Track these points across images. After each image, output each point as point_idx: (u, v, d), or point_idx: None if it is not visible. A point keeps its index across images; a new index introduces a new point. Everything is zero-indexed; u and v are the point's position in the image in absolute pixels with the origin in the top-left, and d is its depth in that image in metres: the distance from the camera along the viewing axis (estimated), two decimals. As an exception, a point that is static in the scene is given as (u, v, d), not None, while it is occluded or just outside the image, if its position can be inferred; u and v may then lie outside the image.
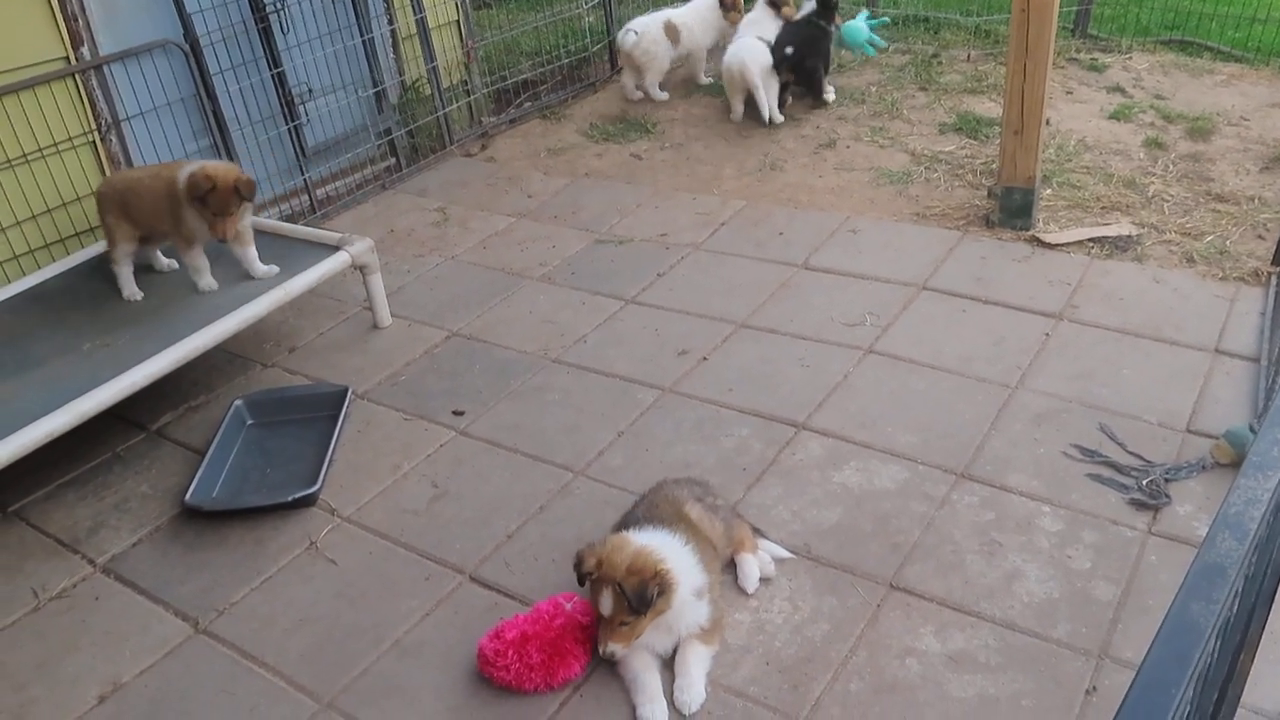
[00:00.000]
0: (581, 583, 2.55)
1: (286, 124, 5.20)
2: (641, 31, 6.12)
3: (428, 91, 5.85)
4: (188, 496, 3.34)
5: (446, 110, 5.88)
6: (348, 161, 5.57)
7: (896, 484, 3.17)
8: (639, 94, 6.31)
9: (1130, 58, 6.37)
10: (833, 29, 5.93)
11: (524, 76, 6.46)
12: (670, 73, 6.39)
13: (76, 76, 4.39)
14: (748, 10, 6.18)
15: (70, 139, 4.40)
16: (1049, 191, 4.79)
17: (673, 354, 3.91)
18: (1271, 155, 5.04)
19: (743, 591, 2.82)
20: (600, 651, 2.54)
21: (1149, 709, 0.84)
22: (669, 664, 2.61)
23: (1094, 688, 2.49)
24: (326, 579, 3.06)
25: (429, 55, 5.74)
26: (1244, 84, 5.93)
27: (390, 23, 5.67)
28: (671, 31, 6.17)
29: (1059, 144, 5.27)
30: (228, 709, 2.67)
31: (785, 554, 2.94)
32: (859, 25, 6.25)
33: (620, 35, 6.24)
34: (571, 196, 5.31)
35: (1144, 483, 3.07)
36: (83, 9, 4.40)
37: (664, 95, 6.30)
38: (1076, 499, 3.06)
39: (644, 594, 2.42)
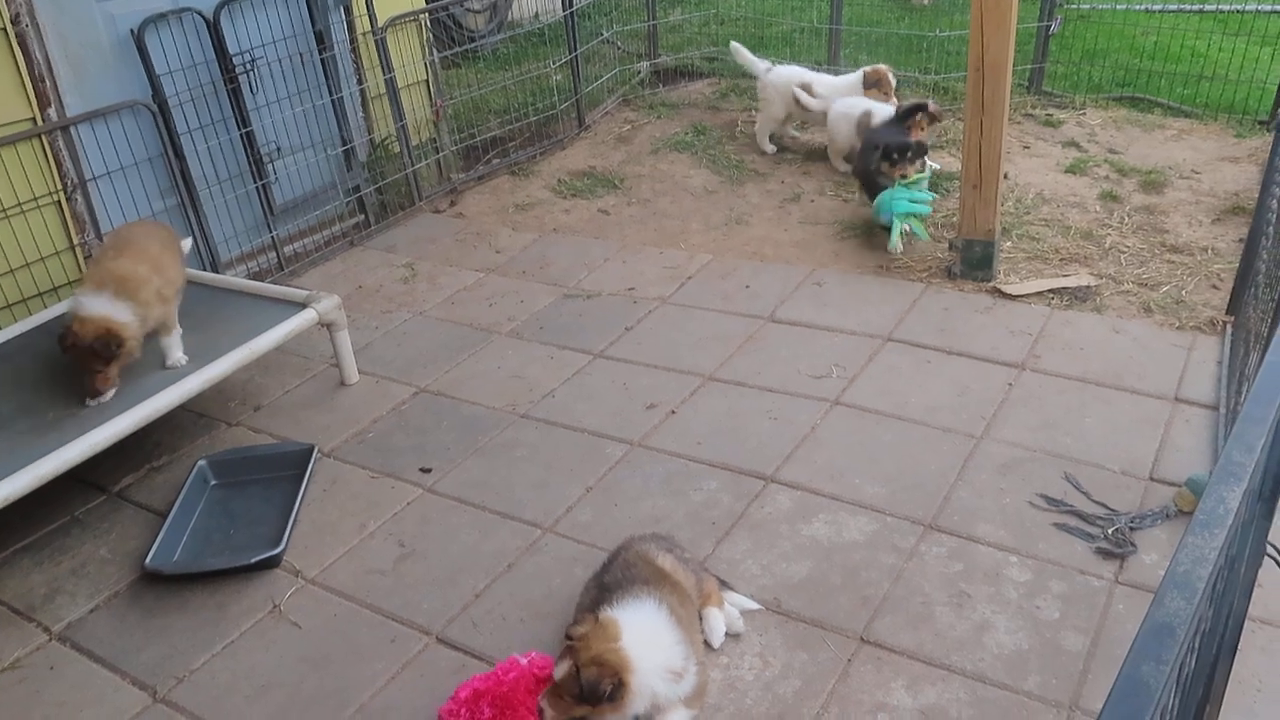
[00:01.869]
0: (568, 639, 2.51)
1: (255, 182, 5.21)
2: (774, 69, 6.22)
3: (396, 149, 5.89)
4: (148, 560, 3.27)
5: (415, 168, 5.92)
6: (316, 219, 5.57)
7: (865, 535, 3.18)
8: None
9: (1084, 113, 6.56)
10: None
11: (492, 134, 6.53)
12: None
13: (43, 137, 4.38)
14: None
15: (35, 199, 4.38)
16: (1009, 244, 4.88)
17: (641, 408, 3.92)
18: (1223, 207, 5.18)
19: (709, 646, 2.79)
20: (539, 702, 2.50)
21: (1104, 773, 0.84)
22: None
23: (1065, 740, 2.48)
24: (290, 643, 2.99)
25: (398, 114, 5.79)
26: (1194, 138, 6.11)
27: (359, 82, 5.73)
28: (807, 89, 6.13)
29: (1018, 197, 5.39)
30: (185, 781, 2.59)
31: (753, 605, 2.92)
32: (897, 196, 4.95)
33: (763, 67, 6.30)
34: (539, 251, 5.34)
35: (1109, 531, 3.10)
36: (50, 70, 4.41)
37: (770, 148, 6.32)
38: (1044, 549, 3.07)
39: (595, 688, 2.38)
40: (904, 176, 4.99)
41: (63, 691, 2.91)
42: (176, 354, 3.75)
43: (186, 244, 4.32)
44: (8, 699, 2.90)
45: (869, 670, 2.72)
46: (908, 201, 4.91)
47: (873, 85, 6.04)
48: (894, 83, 6.06)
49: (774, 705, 2.63)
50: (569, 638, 2.49)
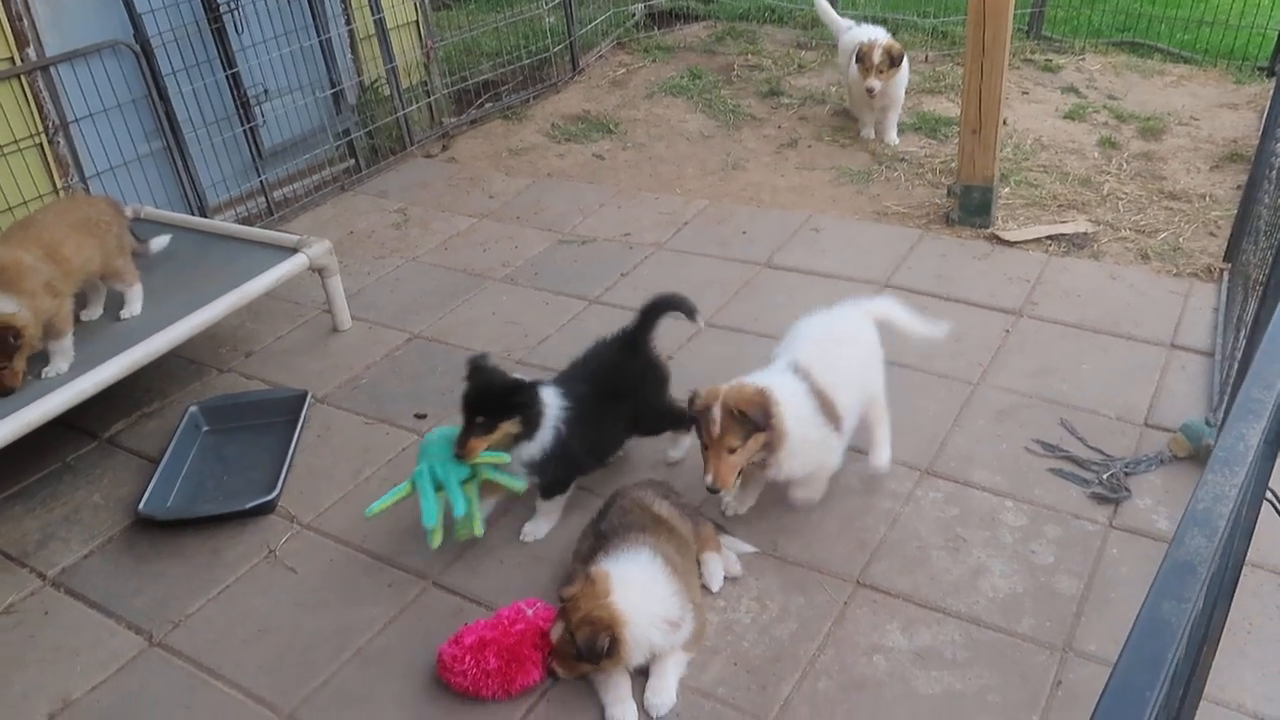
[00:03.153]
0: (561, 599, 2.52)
1: (242, 125, 5.11)
2: (853, 29, 5.73)
3: (387, 92, 5.77)
4: (141, 506, 3.25)
5: (406, 111, 5.81)
6: (305, 163, 5.48)
7: (862, 481, 3.17)
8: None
9: (1083, 59, 6.46)
10: None
11: (485, 77, 6.40)
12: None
13: (22, 77, 4.27)
14: None
15: (16, 141, 4.28)
16: (1007, 190, 4.83)
17: (637, 354, 3.88)
18: (1221, 154, 5.13)
19: (707, 590, 2.80)
20: (706, 482, 2.74)
21: (1123, 712, 0.83)
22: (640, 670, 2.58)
23: (1060, 681, 2.50)
24: (286, 588, 2.99)
25: (388, 56, 5.66)
26: (1193, 85, 6.04)
27: (348, 23, 5.59)
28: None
29: (1016, 143, 5.32)
30: (184, 723, 2.60)
31: (750, 549, 2.93)
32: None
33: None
34: (534, 197, 5.27)
35: (1104, 477, 3.10)
36: (28, 8, 4.29)
37: (870, 131, 5.65)
38: (1039, 494, 3.08)
39: (592, 647, 2.40)
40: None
41: (58, 636, 2.91)
42: (58, 364, 3.39)
43: (134, 210, 4.30)
44: (3, 643, 2.90)
45: (865, 613, 2.73)
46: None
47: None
48: (877, 60, 5.25)
49: (771, 647, 2.65)
50: (561, 599, 2.49)
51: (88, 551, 3.21)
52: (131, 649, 2.84)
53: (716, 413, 2.70)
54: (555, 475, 3.01)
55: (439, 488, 2.85)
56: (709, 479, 2.74)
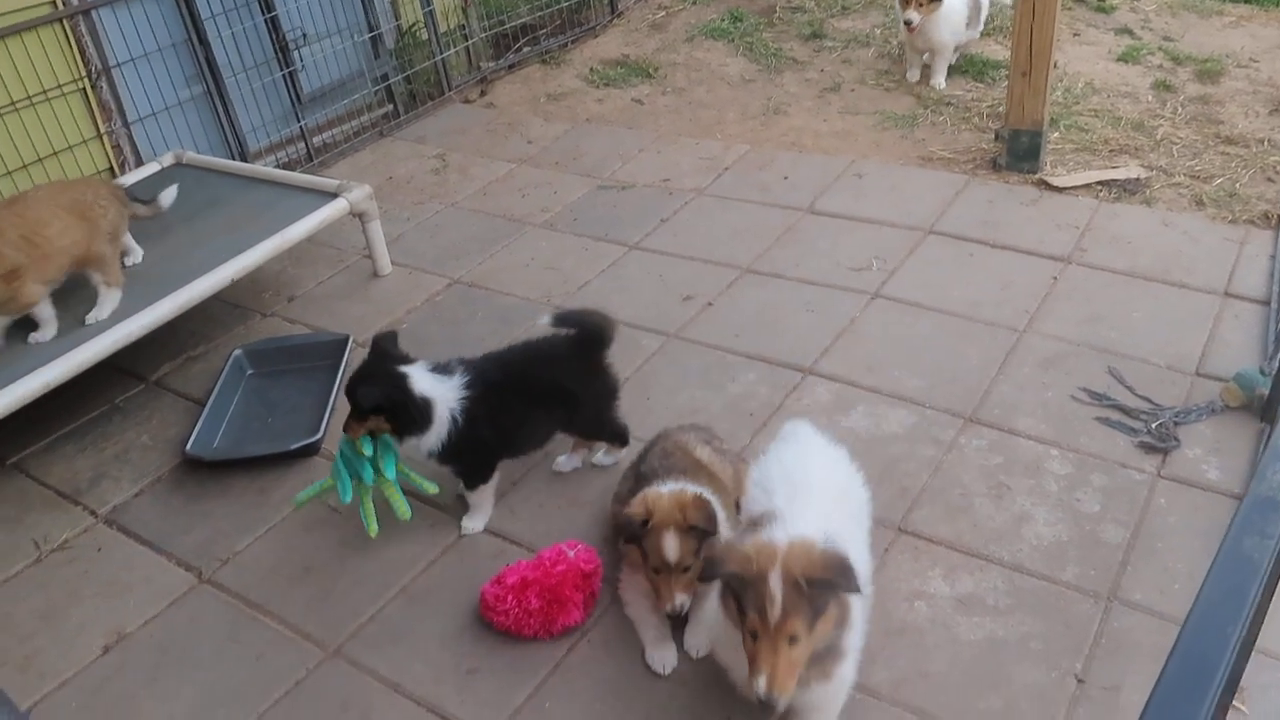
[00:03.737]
0: (634, 538, 2.48)
1: (281, 70, 5.09)
2: None
3: (425, 36, 5.72)
4: (188, 447, 3.31)
5: (444, 55, 5.76)
6: (344, 108, 5.46)
7: (904, 428, 3.14)
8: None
9: (1139, -1, 6.24)
10: None
11: (523, 20, 6.31)
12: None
13: (64, 22, 4.28)
14: None
15: (60, 86, 4.30)
16: (1056, 134, 4.70)
17: (678, 300, 3.86)
18: (1283, 97, 4.95)
19: (748, 536, 2.79)
20: (668, 610, 2.44)
21: (1204, 648, 0.80)
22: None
23: (1104, 630, 2.48)
24: (331, 527, 3.04)
25: (425, -1, 5.60)
26: (1253, 25, 5.81)
27: (385, -35, 5.53)
28: None
29: (1066, 86, 5.17)
30: (233, 658, 2.67)
31: (792, 497, 2.90)
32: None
33: None
34: (572, 142, 5.22)
35: (1153, 426, 3.04)
36: (68, -50, 4.28)
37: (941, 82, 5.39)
38: (1085, 442, 3.03)
39: (712, 515, 2.42)
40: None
41: (111, 571, 2.99)
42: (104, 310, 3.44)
43: (176, 156, 4.33)
44: (60, 577, 2.99)
45: (906, 559, 2.72)
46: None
47: None
48: None
49: (810, 592, 2.64)
50: (642, 522, 2.43)
51: (138, 490, 3.27)
52: (182, 585, 2.91)
53: (776, 585, 1.88)
54: (469, 465, 2.85)
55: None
56: (762, 684, 1.88)
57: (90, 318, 3.43)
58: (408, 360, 2.79)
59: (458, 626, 2.66)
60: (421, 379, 2.73)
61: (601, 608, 2.65)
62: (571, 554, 2.65)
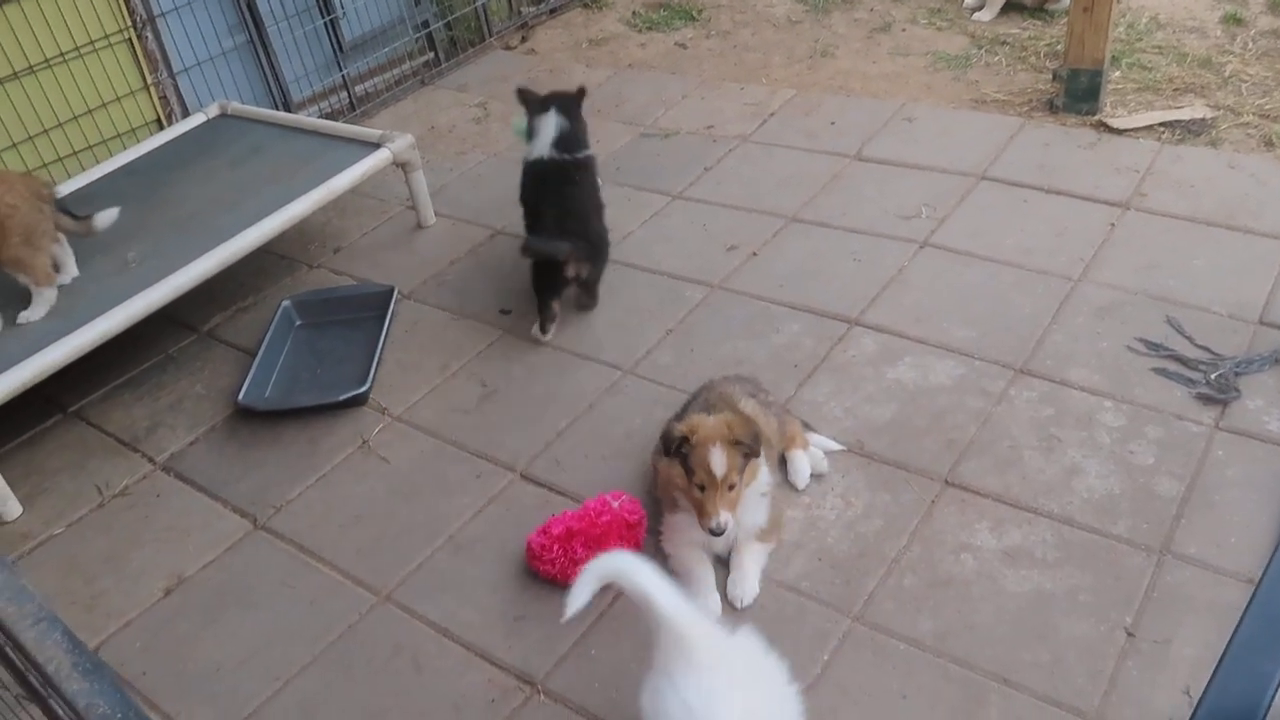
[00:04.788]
0: (675, 453, 2.47)
1: (323, 17, 5.07)
2: None
3: (465, -19, 5.64)
4: (240, 397, 3.37)
5: (485, 1, 5.68)
6: (385, 56, 5.42)
7: (952, 380, 3.09)
8: None
9: (1210, -75, 5.93)
10: None
11: (563, -37, 6.19)
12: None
13: (108, -30, 4.28)
14: None
15: (106, 36, 4.32)
16: (1118, 74, 4.52)
17: (721, 250, 3.82)
18: (1362, 29, 4.70)
19: (793, 488, 2.79)
20: (712, 526, 2.42)
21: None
22: (722, 560, 2.61)
23: (1155, 583, 2.44)
24: (380, 477, 3.09)
25: (465, -58, 5.52)
26: (1335, -48, 5.50)
27: (424, -93, 5.45)
28: None
29: (1129, 22, 4.96)
30: (288, 601, 2.74)
31: (836, 446, 2.90)
32: None
33: None
34: (615, 89, 5.14)
35: (1212, 376, 2.96)
36: (110, -100, 4.27)
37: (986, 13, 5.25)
38: (1140, 394, 2.96)
39: (756, 434, 2.44)
40: None
41: (170, 517, 3.07)
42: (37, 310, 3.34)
43: (222, 106, 4.33)
44: (121, 522, 3.08)
45: (952, 512, 2.69)
46: None
47: None
48: None
49: (855, 544, 2.64)
50: (684, 438, 2.46)
51: (193, 439, 3.35)
52: (238, 531, 2.99)
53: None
54: None
55: None
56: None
57: (22, 318, 3.33)
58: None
59: (505, 574, 2.71)
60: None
61: (646, 558, 2.66)
62: (616, 505, 2.67)
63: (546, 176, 3.49)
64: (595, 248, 3.45)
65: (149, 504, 3.14)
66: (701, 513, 2.46)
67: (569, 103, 3.57)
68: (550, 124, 3.54)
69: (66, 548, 3.03)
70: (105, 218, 3.56)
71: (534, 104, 3.60)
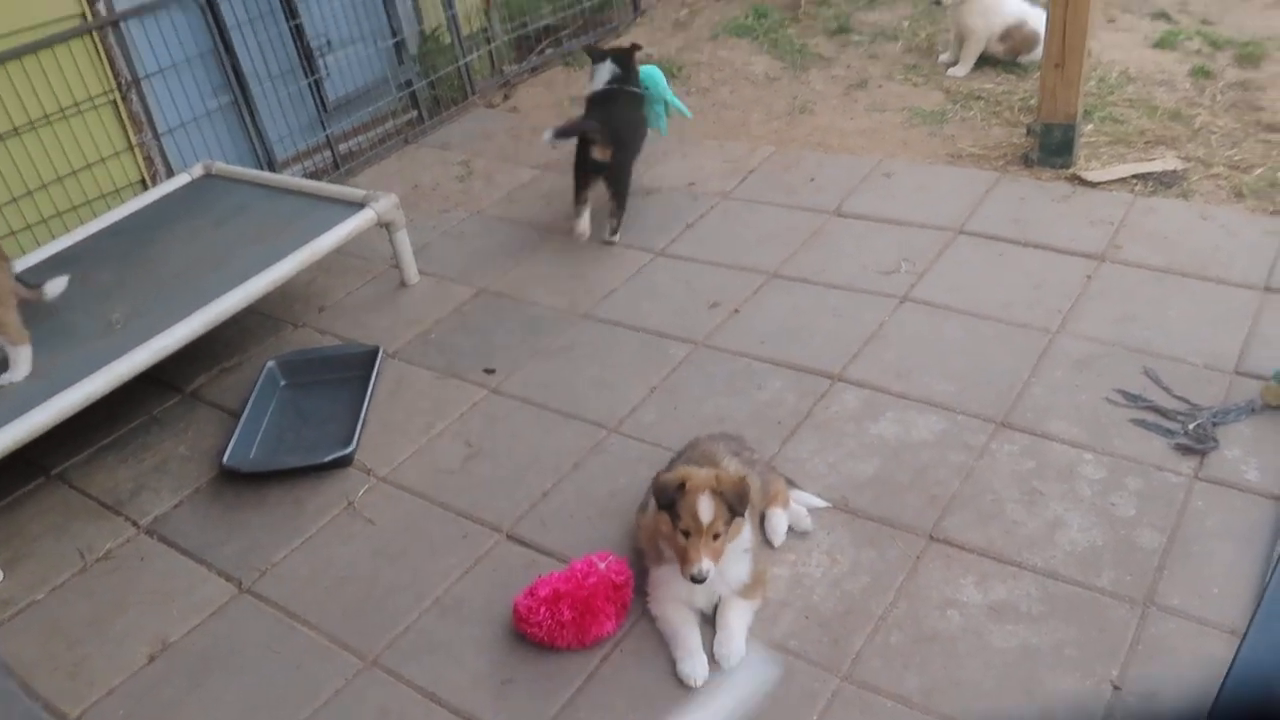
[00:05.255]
0: (667, 504, 2.48)
1: (307, 78, 5.14)
2: None
3: (448, 40, 5.74)
4: (225, 458, 3.36)
5: (467, 60, 5.78)
6: (369, 115, 5.50)
7: (934, 434, 3.12)
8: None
9: (1174, -18, 6.11)
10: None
11: (545, 22, 6.31)
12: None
13: (94, 33, 4.34)
14: None
15: (91, 98, 4.37)
16: (1090, 127, 4.63)
17: (704, 306, 3.86)
18: (1324, 82, 4.84)
19: (769, 545, 2.80)
20: (694, 572, 2.43)
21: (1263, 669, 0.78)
22: (709, 621, 2.61)
23: (1140, 635, 2.45)
24: (365, 538, 3.08)
25: (448, 2, 5.62)
26: (1295, 6, 5.68)
27: (408, -31, 5.55)
28: None
29: (1100, 76, 5.09)
30: (274, 666, 2.71)
31: (821, 503, 2.91)
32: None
33: None
34: (597, 145, 5.21)
35: (1190, 427, 3.00)
36: (96, -36, 4.34)
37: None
38: (1120, 445, 2.99)
39: (743, 493, 2.46)
40: None
41: (154, 581, 3.05)
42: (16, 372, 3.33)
43: (205, 167, 4.37)
44: (104, 586, 3.05)
45: (938, 567, 2.71)
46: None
47: None
48: None
49: (842, 601, 2.65)
50: (678, 487, 2.48)
51: (177, 501, 3.34)
52: (223, 595, 2.96)
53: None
54: None
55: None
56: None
57: (3, 380, 3.32)
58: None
59: (492, 636, 2.69)
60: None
61: (633, 618, 2.67)
62: (602, 565, 2.66)
63: (597, 100, 4.40)
64: (620, 140, 4.20)
65: (132, 568, 3.11)
66: (684, 559, 2.46)
67: (623, 54, 4.48)
68: (606, 68, 4.43)
69: (48, 613, 3.00)
70: (55, 286, 3.55)
71: (595, 55, 4.53)
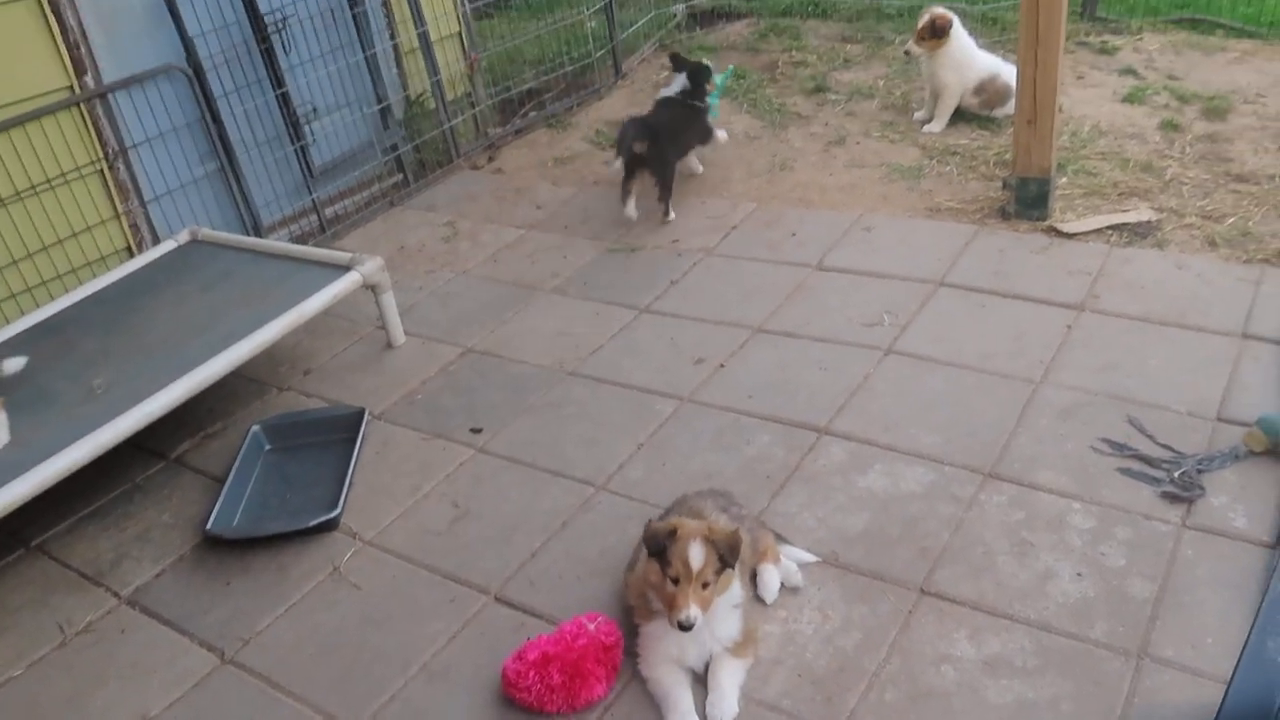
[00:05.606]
0: (658, 551, 2.46)
1: (293, 144, 5.19)
2: None
3: (432, 105, 5.83)
4: (209, 525, 3.32)
5: (452, 124, 5.86)
6: (355, 179, 5.55)
7: (923, 486, 3.12)
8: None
9: (1141, 39, 6.28)
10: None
11: (528, 86, 6.43)
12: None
13: (81, 105, 4.39)
14: None
15: (78, 168, 4.40)
16: (1065, 180, 4.72)
17: (689, 362, 3.87)
18: (1290, 132, 4.95)
19: (762, 601, 2.77)
20: (679, 620, 2.40)
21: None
22: (700, 681, 2.57)
23: (1136, 688, 2.43)
24: (351, 604, 3.03)
25: (432, 69, 5.72)
26: (1258, 60, 5.84)
27: (392, 38, 5.66)
28: None
29: (1073, 130, 5.20)
30: (257, 740, 2.65)
31: (811, 558, 2.89)
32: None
33: None
34: (580, 205, 5.28)
35: (1176, 475, 3.01)
36: (84, 36, 4.40)
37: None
38: (1107, 494, 3.00)
39: (734, 544, 2.44)
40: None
41: (135, 653, 2.99)
42: None
43: (192, 233, 4.35)
44: (83, 660, 2.99)
45: (930, 621, 2.68)
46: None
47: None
48: (920, 26, 5.37)
49: (835, 658, 2.62)
50: (668, 534, 2.47)
51: (159, 570, 3.29)
52: (205, 666, 2.90)
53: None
54: None
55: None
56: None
57: None
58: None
59: (481, 703, 2.64)
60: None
61: (624, 680, 2.63)
62: (592, 627, 2.63)
63: (660, 103, 5.09)
64: (656, 136, 4.79)
65: (113, 640, 3.05)
66: (672, 605, 2.43)
67: (697, 71, 5.06)
68: (680, 80, 5.08)
69: (27, 689, 2.93)
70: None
71: (677, 64, 5.16)
